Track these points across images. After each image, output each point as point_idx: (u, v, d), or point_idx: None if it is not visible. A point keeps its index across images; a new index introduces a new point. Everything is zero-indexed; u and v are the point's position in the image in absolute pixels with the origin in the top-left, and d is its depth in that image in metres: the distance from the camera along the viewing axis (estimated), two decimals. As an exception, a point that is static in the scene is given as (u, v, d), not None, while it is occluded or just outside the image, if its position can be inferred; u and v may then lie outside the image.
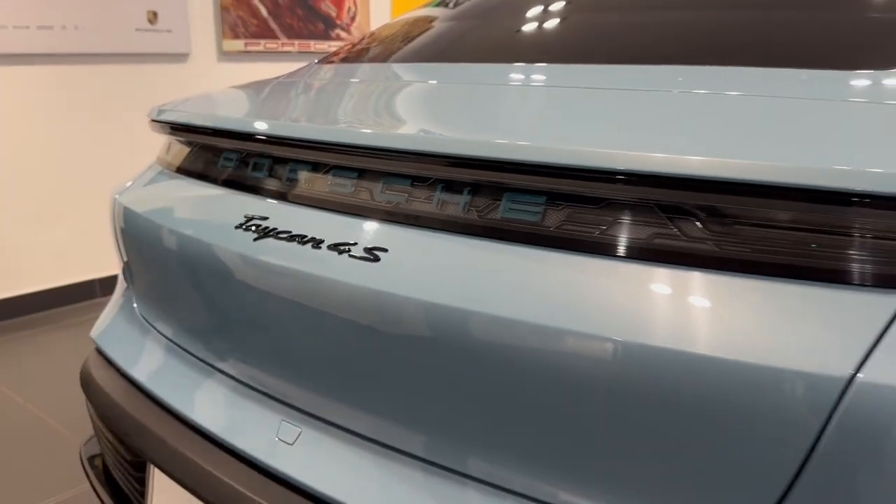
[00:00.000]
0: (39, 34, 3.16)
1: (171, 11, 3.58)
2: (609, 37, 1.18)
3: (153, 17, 3.51)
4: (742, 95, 0.86)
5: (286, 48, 4.17)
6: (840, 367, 0.58)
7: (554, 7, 1.39)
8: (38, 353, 2.95)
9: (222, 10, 3.85)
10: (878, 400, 0.57)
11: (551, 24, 1.34)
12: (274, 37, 4.11)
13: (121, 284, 1.40)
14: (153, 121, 1.32)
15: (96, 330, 1.36)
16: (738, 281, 0.64)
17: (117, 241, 1.33)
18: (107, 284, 3.48)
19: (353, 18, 4.50)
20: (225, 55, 3.91)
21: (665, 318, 0.66)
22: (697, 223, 0.67)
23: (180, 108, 1.29)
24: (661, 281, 0.67)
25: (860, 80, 0.82)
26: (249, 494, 0.90)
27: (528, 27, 1.35)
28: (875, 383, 0.57)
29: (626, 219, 0.70)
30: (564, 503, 0.73)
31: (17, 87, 3.22)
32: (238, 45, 3.94)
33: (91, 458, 1.39)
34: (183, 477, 0.99)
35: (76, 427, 2.27)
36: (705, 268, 0.66)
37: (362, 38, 1.72)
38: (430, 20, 1.65)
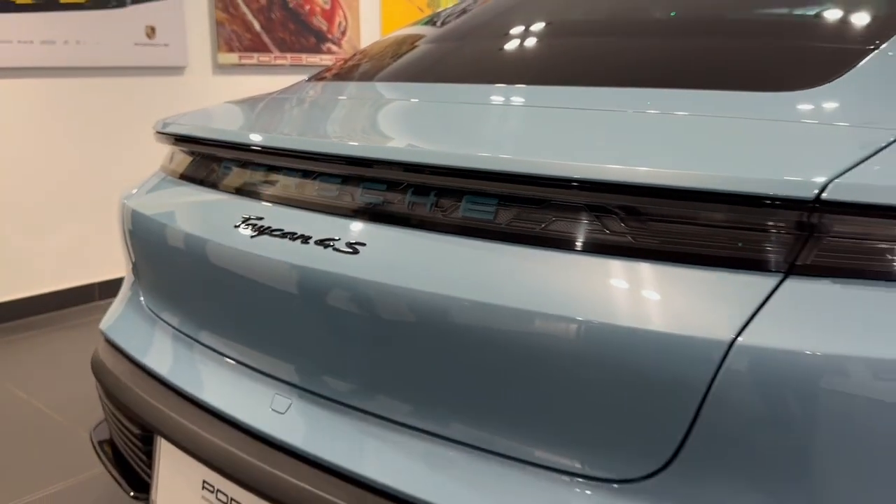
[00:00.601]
0: (42, 49, 3.24)
1: (168, 26, 3.67)
2: (560, 62, 1.33)
3: (151, 31, 3.60)
4: (654, 114, 1.01)
5: (279, 61, 4.30)
6: (724, 334, 0.73)
7: (518, 35, 1.54)
8: (40, 352, 3.05)
9: (217, 24, 3.94)
10: (754, 359, 0.72)
11: (514, 50, 1.49)
12: (267, 50, 4.22)
13: (128, 281, 1.53)
14: (158, 133, 1.46)
15: (105, 323, 1.49)
16: (649, 266, 0.79)
17: (125, 241, 1.46)
18: (105, 288, 3.57)
19: (343, 33, 4.63)
20: (220, 68, 4.01)
21: (592, 296, 0.80)
22: (619, 220, 0.81)
23: (183, 121, 1.43)
24: (589, 266, 0.81)
25: (742, 101, 0.97)
26: (250, 459, 1.04)
27: (494, 54, 1.50)
28: (751, 346, 0.72)
29: (562, 217, 0.84)
30: (486, 447, 0.87)
31: (21, 100, 3.30)
32: (233, 58, 4.04)
33: (101, 442, 1.52)
34: (189, 446, 1.12)
35: (78, 419, 2.39)
36: (624, 256, 0.80)
37: (352, 56, 1.86)
38: (415, 39, 1.79)
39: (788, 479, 0.73)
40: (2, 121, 3.27)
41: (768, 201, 0.75)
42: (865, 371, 0.70)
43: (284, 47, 4.30)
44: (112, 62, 3.54)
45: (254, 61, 4.16)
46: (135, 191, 1.49)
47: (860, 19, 1.15)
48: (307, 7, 4.40)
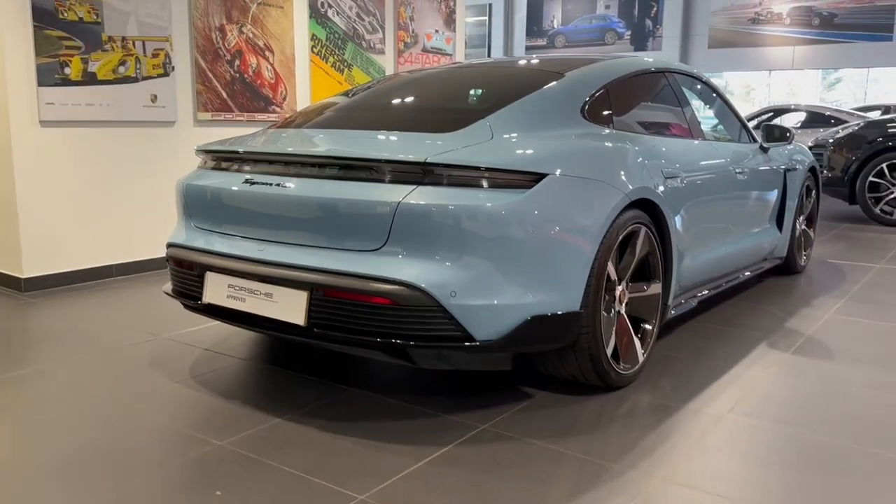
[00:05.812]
0: (86, 109, 4.76)
1: (165, 94, 5.23)
2: (382, 118, 3.16)
3: (154, 98, 5.21)
4: (388, 138, 2.83)
5: (238, 118, 5.96)
6: (398, 199, 2.50)
7: (372, 106, 3.36)
8: (84, 304, 4.59)
9: (197, 93, 5.47)
10: (406, 207, 2.49)
11: (362, 113, 3.31)
12: (231, 110, 5.86)
13: (180, 220, 3.22)
14: (197, 150, 3.19)
15: (172, 238, 3.17)
16: (385, 184, 2.57)
17: (181, 200, 3.16)
18: (120, 268, 5.11)
19: (284, 98, 6.37)
20: (199, 122, 5.45)
21: (361, 193, 2.56)
22: (375, 171, 2.58)
23: (207, 145, 3.17)
24: (365, 186, 2.59)
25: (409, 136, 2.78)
26: (248, 267, 2.75)
27: (356, 114, 3.31)
28: (405, 202, 2.50)
29: (359, 171, 2.62)
30: (325, 245, 2.62)
31: (71, 141, 4.77)
32: (207, 115, 5.63)
33: (166, 292, 3.19)
34: (223, 269, 2.82)
35: (118, 330, 3.97)
36: (376, 182, 2.58)
37: (293, 114, 3.64)
38: (327, 106, 3.59)
39: (424, 245, 2.50)
40: (59, 155, 4.75)
41: (414, 161, 2.54)
42: (434, 206, 2.48)
43: (243, 108, 5.99)
44: (129, 118, 5.03)
45: (222, 118, 5.67)
46: (186, 175, 3.20)
47: (484, 108, 2.99)
48: (258, 81, 6.13)
